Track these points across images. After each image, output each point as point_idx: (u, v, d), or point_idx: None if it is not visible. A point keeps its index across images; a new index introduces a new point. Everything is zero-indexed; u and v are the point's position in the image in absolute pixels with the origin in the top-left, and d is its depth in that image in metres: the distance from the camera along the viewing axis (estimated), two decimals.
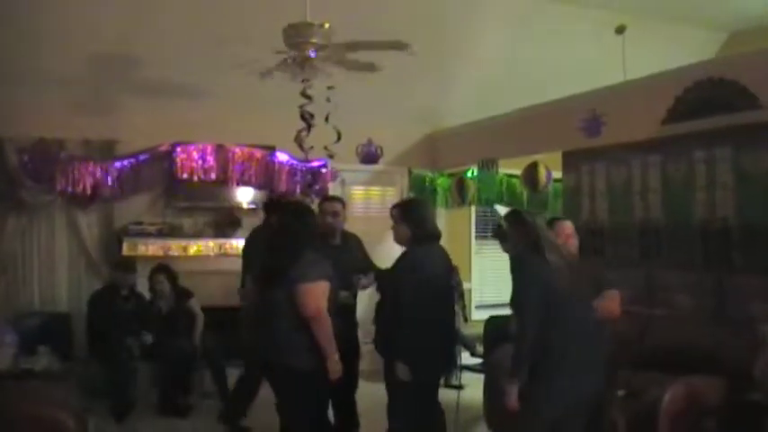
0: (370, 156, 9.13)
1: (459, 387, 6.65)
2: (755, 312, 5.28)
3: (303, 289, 4.46)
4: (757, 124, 5.57)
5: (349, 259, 5.71)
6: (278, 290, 4.54)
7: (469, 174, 9.34)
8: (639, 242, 6.76)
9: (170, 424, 6.90)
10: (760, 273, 5.43)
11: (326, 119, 6.15)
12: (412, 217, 5.01)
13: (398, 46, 5.69)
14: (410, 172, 9.79)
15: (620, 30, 8.35)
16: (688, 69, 6.25)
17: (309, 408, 4.67)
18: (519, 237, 4.54)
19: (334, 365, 4.55)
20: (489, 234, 10.15)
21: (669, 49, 8.19)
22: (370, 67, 6.00)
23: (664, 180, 6.56)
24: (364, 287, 5.84)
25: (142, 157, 8.16)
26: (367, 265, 5.99)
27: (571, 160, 7.58)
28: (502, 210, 8.66)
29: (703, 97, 5.98)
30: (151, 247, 8.00)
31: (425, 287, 4.75)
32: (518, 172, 8.75)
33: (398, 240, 5.09)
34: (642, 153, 6.73)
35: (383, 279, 5.45)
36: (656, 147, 6.54)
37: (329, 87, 5.90)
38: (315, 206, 5.98)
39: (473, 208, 10.10)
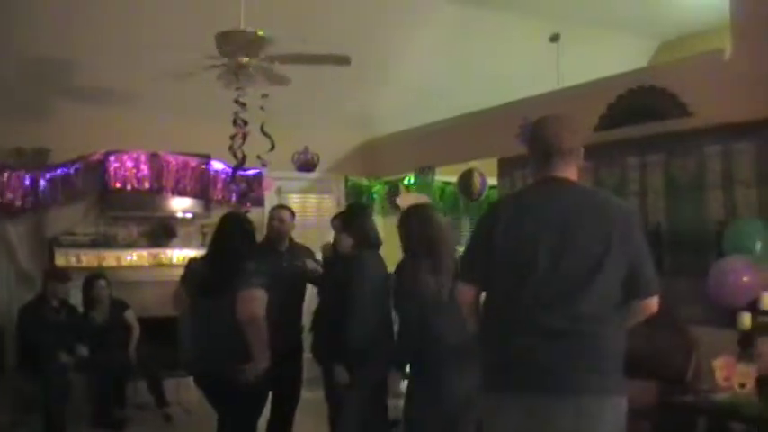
0: (306, 164, 9.09)
1: None
2: (686, 316, 5.38)
3: (239, 296, 4.43)
4: (686, 131, 5.69)
5: (293, 266, 5.69)
6: (218, 301, 4.50)
7: (406, 181, 9.36)
8: None
9: None
10: (689, 276, 5.52)
11: (262, 129, 6.13)
12: (353, 226, 5.05)
13: (340, 60, 5.71)
14: (347, 180, 9.78)
15: (554, 38, 8.46)
16: (620, 78, 6.37)
17: (247, 419, 4.65)
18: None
19: (254, 368, 4.46)
20: None
21: (603, 58, 8.30)
22: (282, 81, 5.98)
23: (597, 186, 6.61)
24: (313, 271, 5.76)
25: (75, 166, 7.99)
26: (313, 276, 5.95)
27: (506, 167, 7.63)
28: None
29: (635, 105, 6.10)
30: (84, 258, 7.87)
31: (376, 291, 4.77)
32: (455, 179, 8.78)
33: (343, 250, 5.13)
34: None
35: (328, 281, 5.41)
36: (590, 153, 6.54)
37: (263, 95, 5.89)
38: (251, 215, 5.96)
39: None
